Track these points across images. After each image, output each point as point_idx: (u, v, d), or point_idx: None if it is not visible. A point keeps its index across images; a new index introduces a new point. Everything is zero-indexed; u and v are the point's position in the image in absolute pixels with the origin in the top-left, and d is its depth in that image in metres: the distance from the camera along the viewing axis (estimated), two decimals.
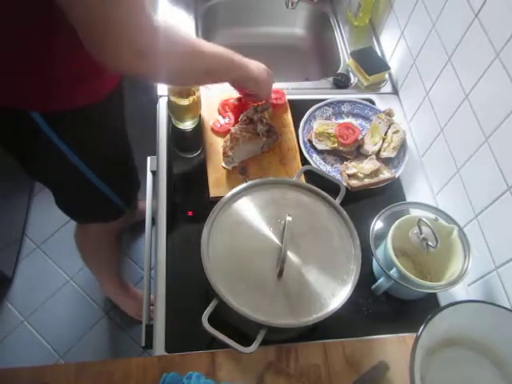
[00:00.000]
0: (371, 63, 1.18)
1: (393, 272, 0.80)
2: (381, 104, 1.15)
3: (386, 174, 1.00)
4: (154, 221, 1.03)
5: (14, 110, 0.79)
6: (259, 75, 0.91)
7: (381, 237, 0.85)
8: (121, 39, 0.61)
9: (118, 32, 0.60)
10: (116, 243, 1.38)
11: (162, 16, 0.68)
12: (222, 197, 0.78)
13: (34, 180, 1.69)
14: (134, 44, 0.62)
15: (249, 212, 0.78)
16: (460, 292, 0.89)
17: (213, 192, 0.94)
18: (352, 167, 0.99)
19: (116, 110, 0.97)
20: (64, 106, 0.82)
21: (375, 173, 1.00)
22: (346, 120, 1.10)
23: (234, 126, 1.00)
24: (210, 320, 0.67)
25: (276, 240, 0.75)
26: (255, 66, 0.90)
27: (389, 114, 1.07)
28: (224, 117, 1.04)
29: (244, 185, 0.80)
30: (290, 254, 0.73)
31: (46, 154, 0.89)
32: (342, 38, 1.30)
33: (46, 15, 0.66)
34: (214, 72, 0.82)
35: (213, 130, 1.03)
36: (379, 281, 0.83)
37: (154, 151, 1.05)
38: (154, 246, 0.90)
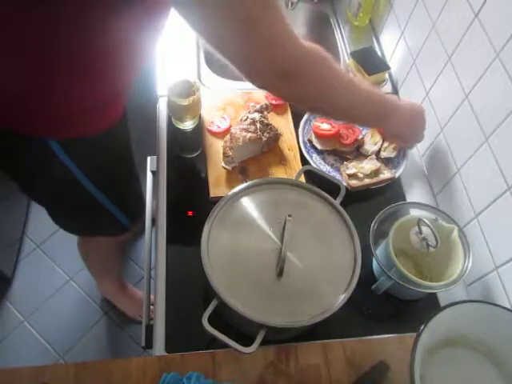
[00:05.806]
0: (371, 63, 1.17)
1: (393, 272, 0.80)
2: None
3: (386, 174, 1.00)
4: (154, 221, 1.03)
5: (25, 135, 0.78)
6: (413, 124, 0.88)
7: (381, 237, 0.86)
8: (262, 60, 0.63)
9: (260, 52, 0.62)
10: (120, 252, 1.39)
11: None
12: (222, 197, 0.78)
13: (30, 199, 1.66)
14: (276, 66, 0.63)
15: (249, 212, 0.78)
16: (460, 292, 0.89)
17: (213, 192, 0.94)
18: (352, 167, 0.99)
19: (124, 134, 0.97)
20: (73, 133, 0.81)
21: (375, 173, 0.99)
22: None
23: (233, 126, 1.00)
24: (210, 320, 0.67)
25: (276, 240, 0.74)
26: (409, 109, 0.87)
27: None
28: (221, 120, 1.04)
29: (244, 185, 0.80)
30: (290, 254, 0.73)
31: (57, 176, 0.88)
32: (342, 37, 1.30)
33: (49, 48, 0.64)
34: (360, 109, 0.78)
35: (210, 131, 1.03)
36: (379, 281, 0.83)
37: (154, 151, 1.05)
38: (154, 246, 0.90)
